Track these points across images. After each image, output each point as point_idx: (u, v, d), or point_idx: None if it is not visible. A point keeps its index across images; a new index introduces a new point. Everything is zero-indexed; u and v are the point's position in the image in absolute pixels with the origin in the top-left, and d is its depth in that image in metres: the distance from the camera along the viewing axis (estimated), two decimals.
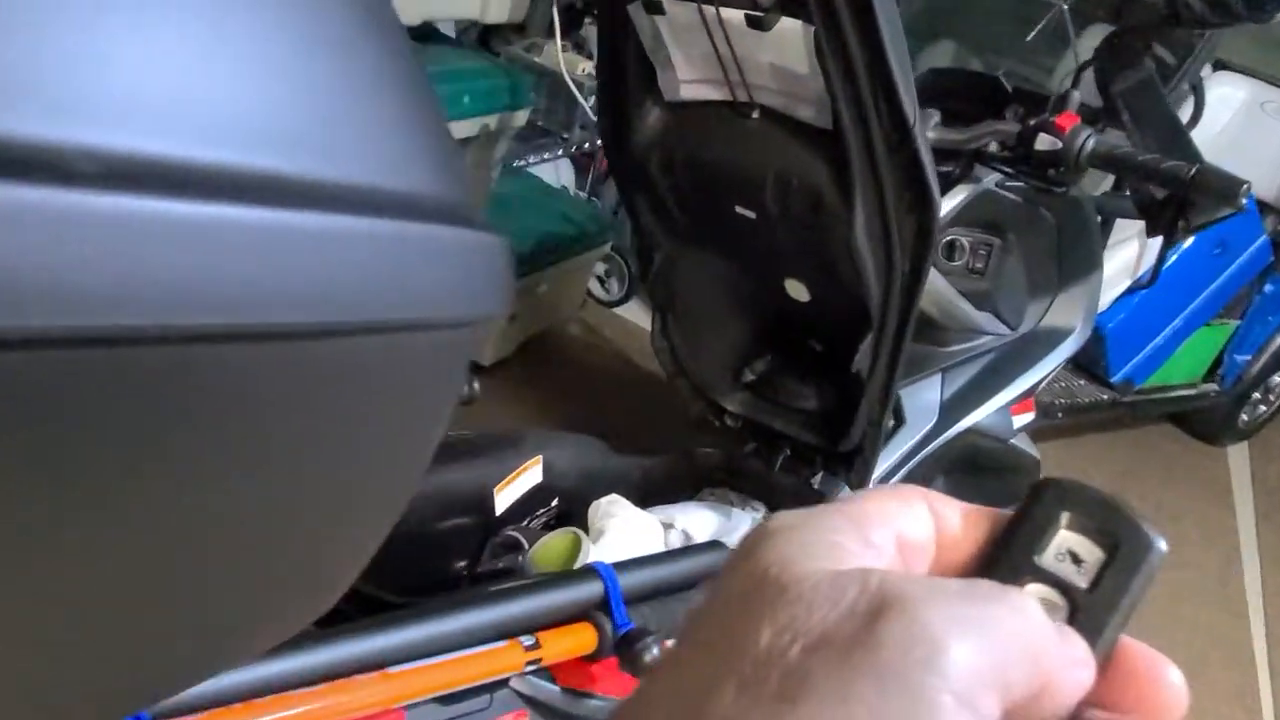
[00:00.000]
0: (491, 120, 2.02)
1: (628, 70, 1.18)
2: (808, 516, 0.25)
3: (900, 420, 1.48)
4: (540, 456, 1.28)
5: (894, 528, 0.25)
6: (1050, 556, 0.26)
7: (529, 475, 1.28)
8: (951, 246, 1.43)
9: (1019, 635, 0.22)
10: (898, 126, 1.02)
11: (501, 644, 0.77)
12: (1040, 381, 1.58)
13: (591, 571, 0.84)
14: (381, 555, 0.31)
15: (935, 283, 1.33)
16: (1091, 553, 0.26)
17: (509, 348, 2.53)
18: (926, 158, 1.04)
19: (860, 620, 0.21)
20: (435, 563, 1.19)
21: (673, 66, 1.15)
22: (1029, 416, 1.68)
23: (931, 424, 1.50)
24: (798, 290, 1.39)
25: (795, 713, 0.20)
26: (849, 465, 1.42)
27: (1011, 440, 1.65)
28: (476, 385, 0.89)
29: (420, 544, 1.17)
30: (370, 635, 0.69)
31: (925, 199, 1.07)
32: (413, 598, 0.88)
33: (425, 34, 2.04)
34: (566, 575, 0.87)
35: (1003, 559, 0.26)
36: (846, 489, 1.45)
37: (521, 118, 2.15)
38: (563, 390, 2.50)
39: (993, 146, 1.33)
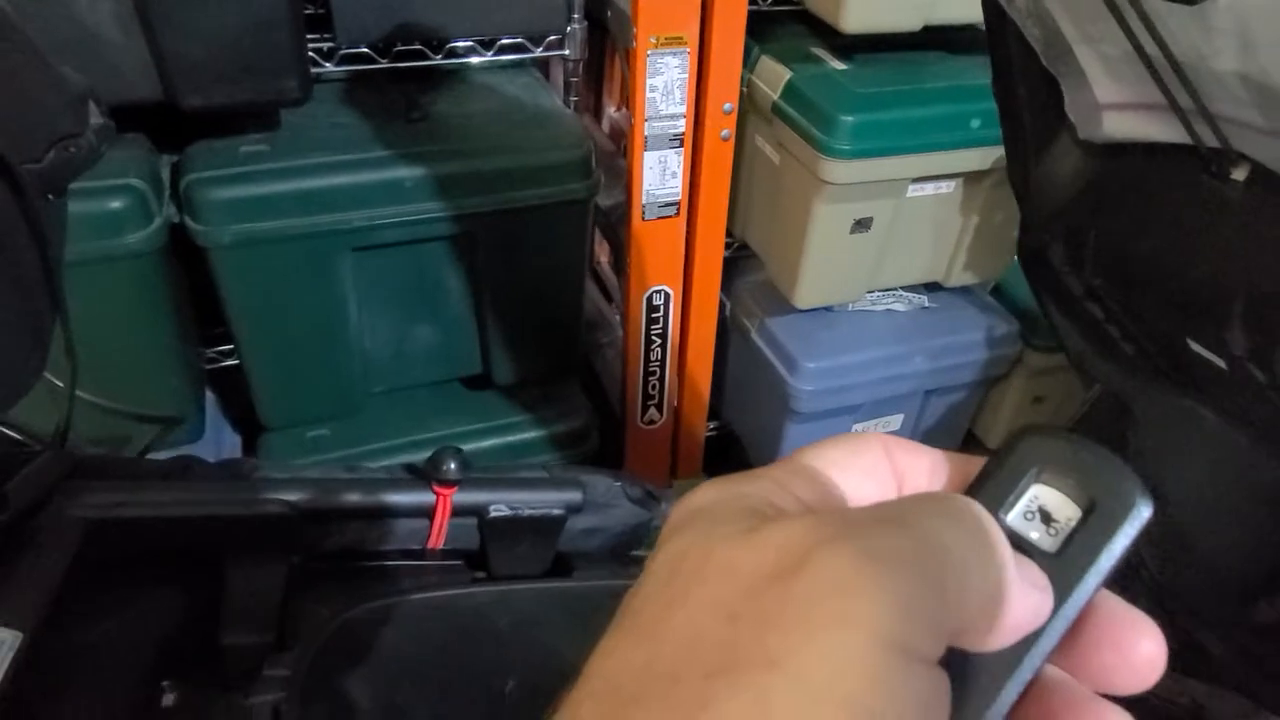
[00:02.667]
0: None
1: (1016, 85, 0.70)
2: (727, 486, 0.24)
3: None
4: None
5: (831, 484, 0.24)
6: (1018, 515, 0.24)
7: None
8: None
9: (952, 556, 0.20)
10: None
11: None
12: None
13: None
14: None
15: None
16: (1066, 510, 0.23)
17: None
18: None
19: (779, 582, 0.20)
20: None
21: (1086, 81, 0.64)
22: None
23: None
24: None
25: (724, 689, 0.19)
26: None
27: None
28: None
29: None
30: None
31: None
32: None
33: (949, 36, 1.60)
34: None
35: None
36: None
37: None
38: None
39: None
